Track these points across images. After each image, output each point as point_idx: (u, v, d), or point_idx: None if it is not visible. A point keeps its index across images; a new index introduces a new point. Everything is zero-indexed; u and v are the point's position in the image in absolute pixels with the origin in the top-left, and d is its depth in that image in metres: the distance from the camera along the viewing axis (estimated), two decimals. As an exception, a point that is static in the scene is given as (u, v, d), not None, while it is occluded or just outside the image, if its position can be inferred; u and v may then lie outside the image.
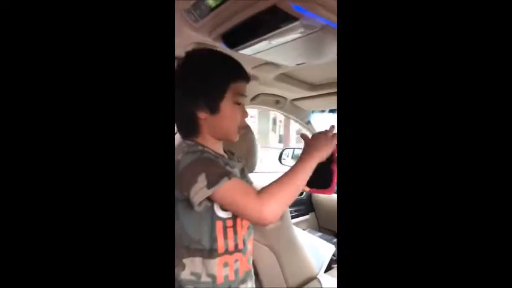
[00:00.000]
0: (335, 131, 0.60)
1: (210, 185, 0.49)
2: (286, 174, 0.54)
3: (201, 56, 0.61)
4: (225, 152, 0.66)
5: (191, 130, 0.60)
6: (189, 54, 0.60)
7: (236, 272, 0.59)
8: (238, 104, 0.59)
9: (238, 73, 0.58)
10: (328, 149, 0.58)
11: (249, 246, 0.64)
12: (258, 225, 0.55)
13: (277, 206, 0.52)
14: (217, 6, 0.49)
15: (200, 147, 0.56)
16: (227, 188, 0.50)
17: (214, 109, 0.56)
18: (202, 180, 0.49)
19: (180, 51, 0.76)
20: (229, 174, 0.51)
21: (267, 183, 0.54)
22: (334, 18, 0.46)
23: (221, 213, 0.56)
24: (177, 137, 0.66)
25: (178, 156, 0.55)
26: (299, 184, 0.54)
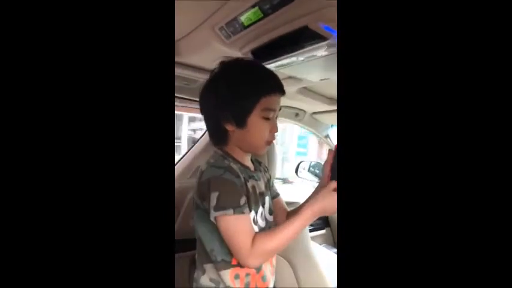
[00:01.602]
0: (334, 185, 0.56)
1: (216, 208, 0.51)
2: (286, 227, 0.53)
3: (234, 67, 0.59)
4: (252, 162, 0.67)
5: (220, 140, 0.61)
6: (224, 64, 0.60)
7: (247, 285, 0.59)
8: (267, 119, 0.57)
9: (270, 86, 0.57)
10: (332, 207, 0.54)
11: (267, 264, 0.63)
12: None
13: (265, 257, 0.56)
14: (250, 24, 0.53)
15: (226, 163, 0.56)
16: (227, 220, 0.52)
17: (240, 123, 0.56)
18: (213, 199, 0.52)
19: (207, 63, 0.81)
20: (236, 207, 0.52)
21: (268, 231, 0.55)
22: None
23: None
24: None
25: (204, 165, 0.57)
26: (294, 236, 0.54)
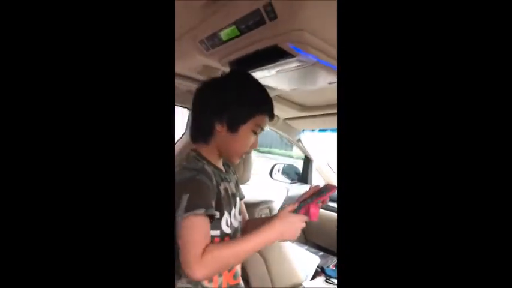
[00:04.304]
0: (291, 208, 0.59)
1: (188, 208, 0.51)
2: (242, 243, 0.53)
3: (246, 79, 0.64)
4: (223, 165, 0.71)
5: (204, 137, 0.64)
6: (232, 73, 0.66)
7: (220, 286, 0.63)
8: (255, 133, 0.63)
9: (267, 109, 0.64)
10: (293, 233, 0.56)
11: None
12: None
13: (211, 272, 0.52)
14: (228, 40, 0.59)
15: (200, 165, 0.59)
16: (193, 220, 0.51)
17: (233, 128, 0.61)
18: (184, 200, 0.51)
19: (188, 71, 0.86)
20: (209, 208, 0.52)
21: (222, 243, 0.55)
22: (325, 57, 0.57)
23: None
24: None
25: (177, 167, 0.58)
26: (247, 254, 0.54)
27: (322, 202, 0.61)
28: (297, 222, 0.58)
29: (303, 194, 0.63)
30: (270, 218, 0.59)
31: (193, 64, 0.79)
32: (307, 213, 0.60)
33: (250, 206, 1.04)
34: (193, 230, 0.51)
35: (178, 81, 0.89)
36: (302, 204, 0.61)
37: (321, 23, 0.49)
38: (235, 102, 0.60)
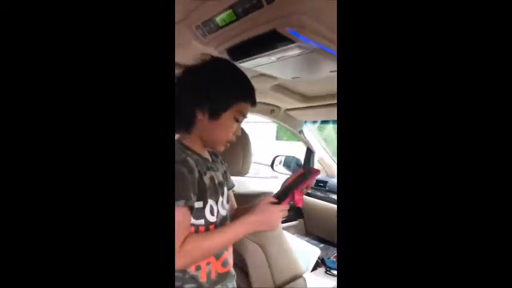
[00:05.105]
0: (271, 199, 0.60)
1: None
2: (220, 234, 0.56)
3: (226, 65, 0.64)
4: (209, 154, 0.70)
5: (185, 127, 0.63)
6: (212, 60, 0.64)
7: (208, 274, 0.63)
8: (237, 121, 0.63)
9: (249, 96, 0.63)
10: (272, 224, 0.58)
11: (226, 249, 0.66)
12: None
13: (192, 258, 0.55)
14: (225, 25, 0.57)
15: (183, 156, 0.58)
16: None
17: (214, 115, 0.60)
18: None
19: (188, 60, 0.84)
20: (188, 199, 0.54)
21: (202, 233, 0.56)
22: (325, 42, 0.54)
23: (194, 221, 0.58)
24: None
25: None
26: (227, 243, 0.56)
27: (307, 187, 0.62)
28: (276, 213, 0.59)
29: (287, 179, 0.64)
30: (250, 208, 0.60)
31: (190, 53, 0.76)
32: (292, 200, 0.60)
33: (254, 197, 1.02)
34: (176, 218, 0.52)
35: (176, 71, 0.87)
36: (286, 192, 0.61)
37: (321, 6, 0.46)
38: (216, 89, 0.60)
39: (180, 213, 0.53)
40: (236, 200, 0.82)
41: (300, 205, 0.60)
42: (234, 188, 0.79)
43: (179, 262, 0.51)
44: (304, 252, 1.23)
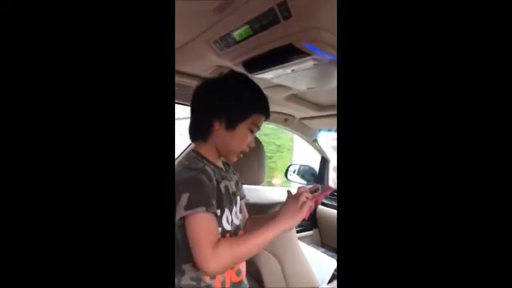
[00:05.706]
0: (306, 195, 0.62)
1: (187, 207, 0.52)
2: (252, 238, 0.56)
3: (244, 79, 0.67)
4: (223, 163, 0.72)
5: (202, 134, 0.66)
6: (230, 73, 0.68)
7: (223, 283, 0.63)
8: (252, 132, 0.66)
9: (264, 109, 0.66)
10: (295, 220, 0.59)
11: None
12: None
13: (226, 264, 0.54)
14: (242, 40, 0.59)
15: (200, 165, 0.61)
16: (197, 218, 0.53)
17: (231, 126, 0.63)
18: (184, 199, 0.53)
19: (201, 71, 0.87)
20: (208, 206, 0.54)
21: (233, 237, 0.58)
22: (340, 54, 0.55)
23: None
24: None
25: (178, 167, 0.61)
26: (259, 248, 0.56)
27: (316, 203, 0.64)
28: (300, 204, 0.60)
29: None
30: (273, 215, 0.61)
31: (207, 65, 0.79)
32: None
33: (270, 206, 1.02)
34: (199, 227, 0.53)
35: (191, 82, 0.90)
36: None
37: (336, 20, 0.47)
38: (234, 101, 0.63)
39: (204, 219, 0.54)
40: (251, 209, 0.83)
41: (305, 217, 0.61)
42: (249, 197, 0.80)
43: (214, 266, 0.51)
44: (320, 263, 1.20)
